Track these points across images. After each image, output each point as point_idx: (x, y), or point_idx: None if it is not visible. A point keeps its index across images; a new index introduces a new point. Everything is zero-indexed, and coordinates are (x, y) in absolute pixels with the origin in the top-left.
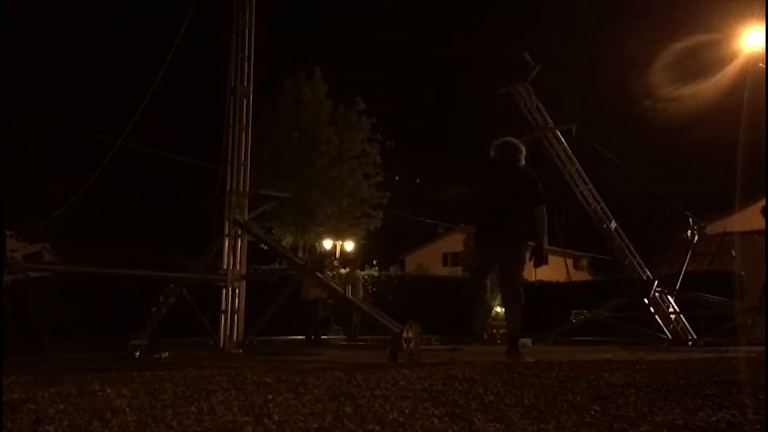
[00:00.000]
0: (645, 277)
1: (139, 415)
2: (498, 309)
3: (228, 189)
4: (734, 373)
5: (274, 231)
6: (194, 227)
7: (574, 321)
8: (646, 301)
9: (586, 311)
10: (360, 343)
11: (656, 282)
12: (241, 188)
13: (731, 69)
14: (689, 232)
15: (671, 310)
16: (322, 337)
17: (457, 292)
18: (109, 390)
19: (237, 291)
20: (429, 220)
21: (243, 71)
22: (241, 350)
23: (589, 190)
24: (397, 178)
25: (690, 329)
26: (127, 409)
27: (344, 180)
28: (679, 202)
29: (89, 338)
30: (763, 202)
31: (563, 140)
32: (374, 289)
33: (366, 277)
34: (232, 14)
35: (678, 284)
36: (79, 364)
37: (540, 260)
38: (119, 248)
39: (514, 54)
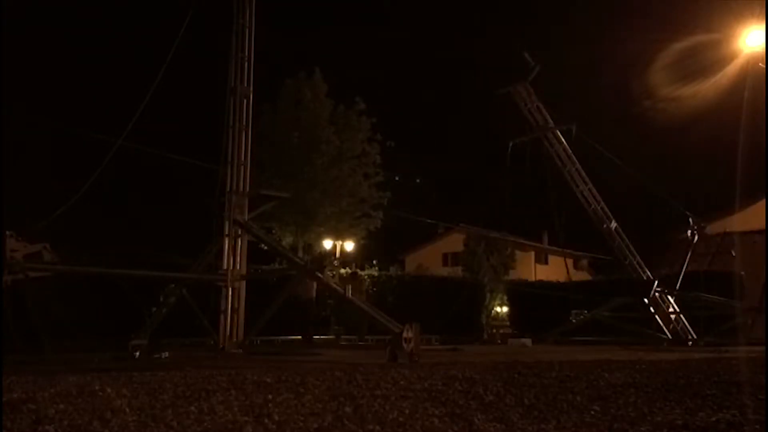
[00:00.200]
0: (645, 277)
1: (139, 415)
2: (498, 309)
3: (228, 189)
4: (734, 373)
5: (274, 231)
6: (194, 227)
7: (574, 321)
8: (646, 301)
9: (586, 311)
10: (360, 343)
11: (656, 282)
12: (241, 188)
13: (731, 69)
14: (689, 232)
15: (671, 310)
16: (322, 337)
17: (457, 292)
18: (109, 390)
19: (237, 291)
20: (429, 220)
21: (243, 71)
22: (241, 350)
23: (589, 190)
24: (397, 178)
25: (690, 329)
26: (127, 409)
27: (344, 180)
28: (679, 202)
29: (89, 338)
30: (763, 202)
31: (563, 140)
32: (374, 289)
33: (366, 277)
34: (232, 14)
35: (678, 284)
36: (79, 364)
37: None
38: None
39: (514, 54)
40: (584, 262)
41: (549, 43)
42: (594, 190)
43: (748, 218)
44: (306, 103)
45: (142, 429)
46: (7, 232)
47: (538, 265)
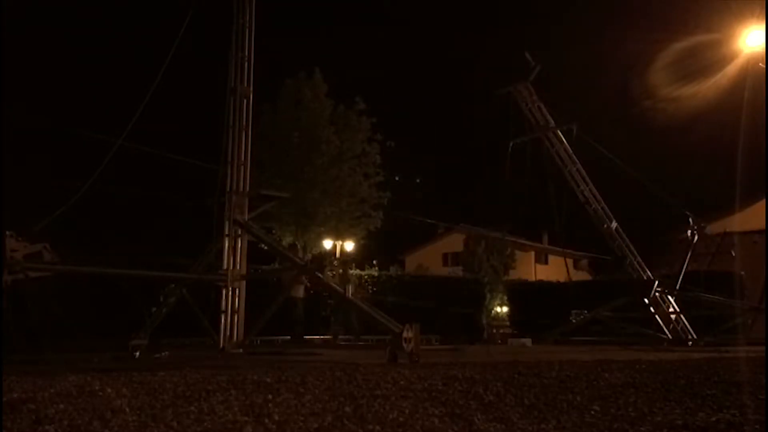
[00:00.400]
0: (645, 277)
1: (139, 415)
2: (498, 309)
3: (228, 189)
4: (734, 373)
5: (274, 231)
6: (194, 227)
7: (574, 321)
8: (646, 301)
9: (586, 311)
10: (360, 343)
11: (656, 282)
12: (241, 188)
13: (731, 69)
14: (689, 232)
15: (671, 310)
16: (322, 336)
17: (457, 292)
18: (109, 390)
19: (237, 291)
20: (429, 220)
21: (243, 71)
22: (241, 350)
23: (589, 190)
24: (397, 178)
25: (690, 329)
26: (127, 409)
27: (344, 180)
28: (679, 202)
29: (89, 338)
30: (763, 202)
31: (564, 140)
32: (374, 289)
33: (366, 277)
34: (232, 14)
35: (678, 284)
36: (79, 364)
37: None
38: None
39: (514, 54)
40: (584, 262)
41: (549, 43)
42: (594, 190)
43: (748, 218)
44: (306, 103)
45: (142, 429)
46: (7, 232)
47: (538, 265)
